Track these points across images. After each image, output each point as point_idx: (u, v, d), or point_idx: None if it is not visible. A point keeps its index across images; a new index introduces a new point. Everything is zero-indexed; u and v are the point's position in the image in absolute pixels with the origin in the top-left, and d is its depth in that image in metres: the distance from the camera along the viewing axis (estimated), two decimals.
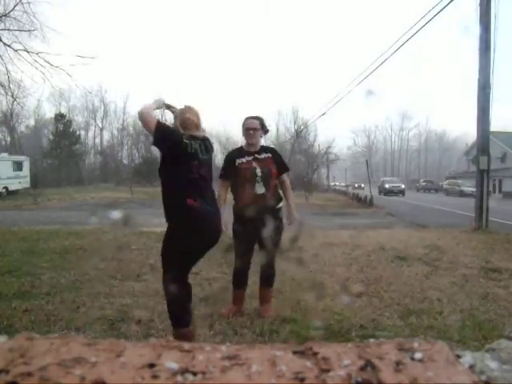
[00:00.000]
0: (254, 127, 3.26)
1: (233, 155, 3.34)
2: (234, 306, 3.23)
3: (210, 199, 2.56)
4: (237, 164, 3.21)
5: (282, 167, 3.34)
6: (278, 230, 3.12)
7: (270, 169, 3.20)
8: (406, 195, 32.23)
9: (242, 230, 3.08)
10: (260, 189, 3.13)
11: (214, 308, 3.31)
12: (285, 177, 3.36)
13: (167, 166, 2.45)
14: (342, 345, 0.45)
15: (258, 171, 3.15)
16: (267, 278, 3.23)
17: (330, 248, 6.06)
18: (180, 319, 2.43)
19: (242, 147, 3.39)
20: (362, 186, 46.08)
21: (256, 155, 3.23)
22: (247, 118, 3.35)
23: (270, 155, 3.27)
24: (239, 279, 3.25)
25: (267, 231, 2.92)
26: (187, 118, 2.56)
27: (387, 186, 34.81)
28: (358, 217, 13.56)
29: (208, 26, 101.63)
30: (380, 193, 33.64)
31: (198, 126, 2.58)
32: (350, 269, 4.82)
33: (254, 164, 3.18)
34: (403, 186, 34.61)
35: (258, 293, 3.32)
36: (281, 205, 3.27)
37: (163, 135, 2.43)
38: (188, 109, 2.64)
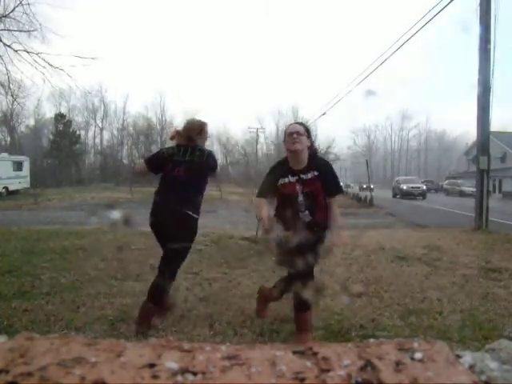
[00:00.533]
0: (297, 130, 2.67)
1: (276, 172, 2.77)
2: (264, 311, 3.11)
3: (177, 196, 2.89)
4: (279, 184, 2.68)
5: (332, 188, 2.71)
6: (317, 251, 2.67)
7: (315, 194, 2.64)
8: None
9: (286, 257, 2.58)
10: (306, 217, 2.64)
11: (214, 308, 3.31)
12: (332, 200, 2.72)
13: None
14: (342, 345, 0.45)
15: (301, 199, 2.63)
16: (301, 300, 2.66)
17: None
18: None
19: (286, 160, 2.76)
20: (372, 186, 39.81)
21: (301, 175, 2.65)
22: (290, 124, 2.90)
23: (316, 173, 2.65)
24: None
25: (310, 254, 2.52)
26: (176, 132, 3.24)
27: (404, 187, 28.48)
28: (358, 217, 13.55)
29: (208, 26, 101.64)
30: (395, 195, 28.97)
31: (185, 137, 3.12)
32: (350, 269, 4.82)
33: (298, 187, 2.64)
34: (424, 187, 28.64)
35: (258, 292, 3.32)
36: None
37: (151, 160, 3.29)
38: (185, 124, 3.24)
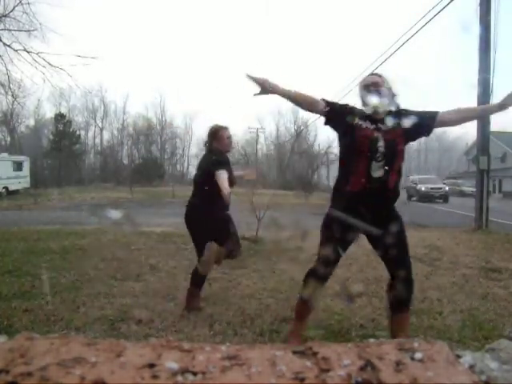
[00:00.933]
0: (375, 81, 2.34)
1: (353, 110, 2.34)
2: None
3: (193, 196, 3.62)
4: (354, 123, 2.27)
5: (424, 125, 2.31)
6: (401, 232, 2.49)
7: (396, 143, 2.24)
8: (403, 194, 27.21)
9: (341, 226, 2.25)
10: (377, 171, 2.22)
11: (214, 308, 3.31)
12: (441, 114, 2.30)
13: None
14: (342, 345, 0.45)
15: (381, 145, 2.21)
16: (402, 298, 2.42)
17: None
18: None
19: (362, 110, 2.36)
20: None
21: (380, 124, 2.26)
22: (367, 76, 2.50)
23: (398, 122, 2.26)
24: (309, 302, 2.54)
25: (389, 233, 2.27)
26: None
27: (423, 188, 23.70)
28: None
29: (208, 25, 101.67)
30: (410, 198, 23.66)
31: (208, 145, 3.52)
32: (350, 269, 4.82)
33: (376, 134, 2.23)
34: (447, 188, 23.74)
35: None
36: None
37: None
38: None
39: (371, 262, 5.25)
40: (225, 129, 3.52)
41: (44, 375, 0.38)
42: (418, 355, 0.43)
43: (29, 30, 11.59)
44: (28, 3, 11.36)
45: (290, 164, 41.62)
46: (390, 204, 2.39)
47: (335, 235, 2.33)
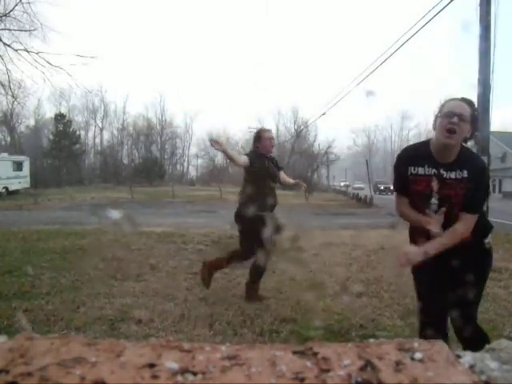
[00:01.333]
0: (461, 113, 1.86)
1: (409, 158, 2.01)
2: None
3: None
4: (409, 174, 1.97)
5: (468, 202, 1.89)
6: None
7: (452, 202, 1.90)
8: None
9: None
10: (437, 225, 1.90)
11: (214, 308, 3.31)
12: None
13: None
14: (342, 345, 0.45)
15: (434, 200, 1.94)
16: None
17: (329, 248, 6.06)
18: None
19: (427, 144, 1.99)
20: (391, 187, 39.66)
21: (442, 170, 1.91)
22: (453, 99, 1.96)
23: (466, 175, 1.88)
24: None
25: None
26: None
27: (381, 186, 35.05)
28: (358, 217, 13.56)
29: (208, 25, 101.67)
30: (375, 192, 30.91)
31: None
32: (350, 269, 4.82)
33: (434, 184, 1.92)
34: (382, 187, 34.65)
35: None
36: (487, 241, 2.04)
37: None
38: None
39: (371, 262, 5.25)
40: (266, 131, 3.74)
41: (44, 375, 0.38)
42: (418, 355, 0.43)
43: (29, 30, 11.60)
44: (28, 3, 11.38)
45: (290, 164, 41.63)
46: None
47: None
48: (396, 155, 2.11)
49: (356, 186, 43.53)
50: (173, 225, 9.02)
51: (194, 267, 4.70)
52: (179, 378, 0.39)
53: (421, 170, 1.93)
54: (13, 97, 12.86)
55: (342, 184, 41.13)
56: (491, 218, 9.33)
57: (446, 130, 1.83)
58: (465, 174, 1.87)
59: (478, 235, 1.93)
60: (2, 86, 11.87)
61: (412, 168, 1.95)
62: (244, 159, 3.55)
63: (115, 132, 50.18)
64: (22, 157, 26.32)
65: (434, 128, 1.94)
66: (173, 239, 6.76)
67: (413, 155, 1.99)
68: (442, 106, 1.95)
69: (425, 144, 2.00)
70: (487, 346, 0.48)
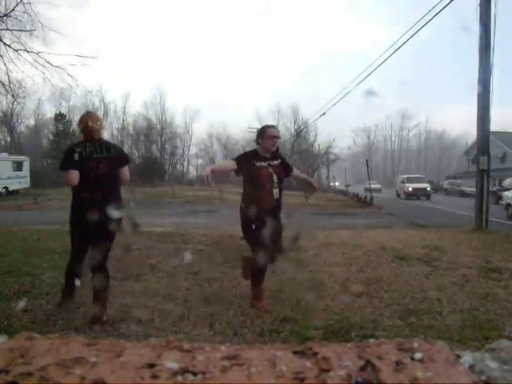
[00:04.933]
0: (276, 135, 3.52)
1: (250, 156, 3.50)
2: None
3: (102, 192, 3.04)
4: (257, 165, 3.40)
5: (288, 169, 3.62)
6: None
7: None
8: (393, 193, 28.44)
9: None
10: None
11: (214, 308, 3.31)
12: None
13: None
14: (342, 345, 0.45)
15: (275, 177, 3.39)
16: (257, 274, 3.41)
17: (329, 248, 6.06)
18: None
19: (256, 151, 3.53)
20: (378, 187, 35.41)
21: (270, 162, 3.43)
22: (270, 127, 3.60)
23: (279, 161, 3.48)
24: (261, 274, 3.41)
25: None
26: (86, 125, 3.18)
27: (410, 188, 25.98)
28: (358, 217, 13.56)
29: (207, 24, 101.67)
30: (398, 196, 26.87)
31: (94, 130, 3.18)
32: (350, 269, 4.82)
33: (271, 170, 3.39)
34: (428, 189, 26.11)
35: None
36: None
37: (62, 166, 3.15)
38: (87, 116, 3.30)
39: (371, 262, 5.25)
40: (270, 127, 3.60)
41: (44, 375, 0.38)
42: (418, 355, 0.43)
43: (30, 30, 11.59)
44: (29, 3, 11.37)
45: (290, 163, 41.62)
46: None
47: None
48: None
49: (371, 186, 36.48)
50: (173, 225, 9.02)
51: (193, 267, 4.70)
52: (179, 378, 0.39)
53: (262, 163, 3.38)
54: (13, 97, 12.86)
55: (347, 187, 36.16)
56: (491, 218, 9.24)
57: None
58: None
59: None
60: (3, 85, 11.87)
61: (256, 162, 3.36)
62: (230, 164, 3.52)
63: (115, 132, 50.19)
64: (22, 157, 26.31)
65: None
66: (173, 239, 6.76)
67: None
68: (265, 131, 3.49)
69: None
70: (487, 346, 0.48)
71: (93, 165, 3.08)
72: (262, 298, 3.38)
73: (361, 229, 9.04)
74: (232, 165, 3.45)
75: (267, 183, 3.33)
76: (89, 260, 3.03)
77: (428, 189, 25.59)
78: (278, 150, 3.55)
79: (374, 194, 21.46)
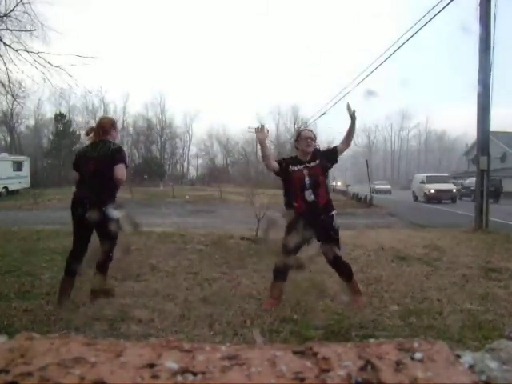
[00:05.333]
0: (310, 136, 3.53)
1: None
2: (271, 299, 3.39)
3: (91, 190, 3.35)
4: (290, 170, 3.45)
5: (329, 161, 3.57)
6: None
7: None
8: (405, 195, 26.53)
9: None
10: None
11: (214, 308, 3.31)
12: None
13: None
14: (342, 345, 0.45)
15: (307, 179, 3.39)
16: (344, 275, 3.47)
17: None
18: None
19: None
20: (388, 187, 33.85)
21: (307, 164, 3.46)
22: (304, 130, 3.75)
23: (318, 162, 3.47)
24: (280, 272, 3.41)
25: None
26: (92, 128, 3.72)
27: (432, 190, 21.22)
28: (357, 217, 13.55)
29: (207, 25, 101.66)
30: (416, 199, 23.07)
31: (97, 133, 3.56)
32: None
33: (304, 172, 3.41)
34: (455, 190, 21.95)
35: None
36: (333, 213, 3.42)
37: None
38: (98, 120, 3.81)
39: (371, 262, 5.25)
40: (304, 130, 3.71)
41: (44, 375, 0.38)
42: (418, 355, 0.43)
43: (30, 30, 11.58)
44: (29, 3, 11.35)
45: None
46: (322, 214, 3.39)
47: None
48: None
49: (380, 187, 32.99)
50: (173, 225, 9.02)
51: (193, 267, 4.70)
52: (179, 378, 0.39)
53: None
54: (13, 97, 12.86)
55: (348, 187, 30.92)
56: (491, 218, 9.23)
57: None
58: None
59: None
60: (2, 85, 11.87)
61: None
62: (274, 165, 3.49)
63: None
64: (22, 157, 26.33)
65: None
66: (173, 239, 6.76)
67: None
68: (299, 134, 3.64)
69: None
70: (487, 346, 0.48)
71: (84, 164, 3.45)
72: (274, 297, 3.42)
73: (361, 229, 9.04)
74: (274, 167, 3.48)
75: (299, 186, 3.39)
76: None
77: (454, 190, 21.67)
78: (316, 151, 3.54)
79: (381, 196, 19.13)
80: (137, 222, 3.57)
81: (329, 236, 3.34)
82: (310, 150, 3.46)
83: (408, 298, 3.66)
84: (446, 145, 72.54)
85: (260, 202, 7.52)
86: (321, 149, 3.70)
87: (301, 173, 3.39)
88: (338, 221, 3.45)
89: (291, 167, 3.44)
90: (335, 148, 3.62)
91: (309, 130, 3.71)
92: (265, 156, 3.51)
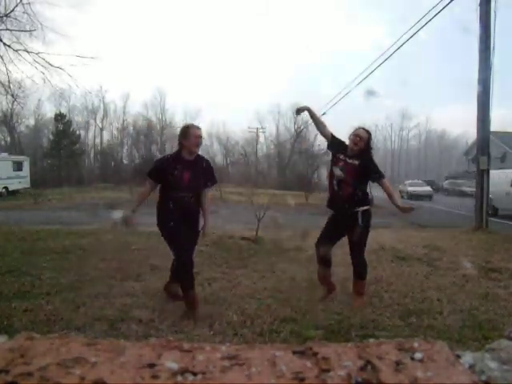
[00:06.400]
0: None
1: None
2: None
3: None
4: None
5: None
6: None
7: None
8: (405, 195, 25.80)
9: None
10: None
11: (214, 308, 3.31)
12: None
13: None
14: (342, 345, 0.45)
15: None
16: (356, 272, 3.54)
17: None
18: None
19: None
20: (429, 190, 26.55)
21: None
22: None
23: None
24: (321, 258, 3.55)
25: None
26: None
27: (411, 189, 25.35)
28: None
29: (207, 24, 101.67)
30: (402, 197, 21.39)
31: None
32: (350, 269, 4.81)
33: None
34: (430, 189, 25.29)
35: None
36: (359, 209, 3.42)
37: None
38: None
39: (371, 262, 5.25)
40: (360, 129, 3.64)
41: (44, 375, 0.38)
42: (418, 355, 0.43)
43: (29, 31, 11.57)
44: (29, 3, 11.34)
45: (289, 164, 41.65)
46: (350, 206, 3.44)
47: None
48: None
49: (415, 189, 26.05)
50: None
51: (193, 267, 4.69)
52: (179, 378, 0.39)
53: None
54: (13, 97, 12.85)
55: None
56: (491, 218, 9.23)
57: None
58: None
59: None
60: (2, 85, 11.86)
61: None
62: (328, 133, 3.67)
63: (115, 132, 50.18)
64: (22, 157, 26.31)
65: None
66: None
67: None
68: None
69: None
70: (487, 346, 0.48)
71: None
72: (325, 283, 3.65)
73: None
74: (328, 133, 3.73)
75: (332, 173, 3.61)
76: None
77: (429, 190, 25.67)
78: (366, 155, 3.51)
79: (421, 203, 15.78)
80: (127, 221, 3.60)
81: (353, 230, 3.40)
82: (355, 148, 3.46)
83: (408, 297, 3.66)
84: (446, 144, 72.56)
85: (260, 202, 7.51)
86: (373, 158, 3.62)
87: (338, 161, 3.50)
88: (368, 217, 3.47)
89: (337, 153, 3.56)
90: (378, 175, 3.51)
91: (364, 130, 3.58)
92: (318, 122, 3.70)
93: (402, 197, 22.57)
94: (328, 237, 3.53)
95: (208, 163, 3.54)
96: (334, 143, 3.65)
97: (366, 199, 3.51)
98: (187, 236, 3.29)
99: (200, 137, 3.38)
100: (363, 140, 3.48)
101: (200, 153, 3.55)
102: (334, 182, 3.50)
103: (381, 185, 3.51)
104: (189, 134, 3.32)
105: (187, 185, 3.28)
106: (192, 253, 3.34)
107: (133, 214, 3.56)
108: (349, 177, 3.45)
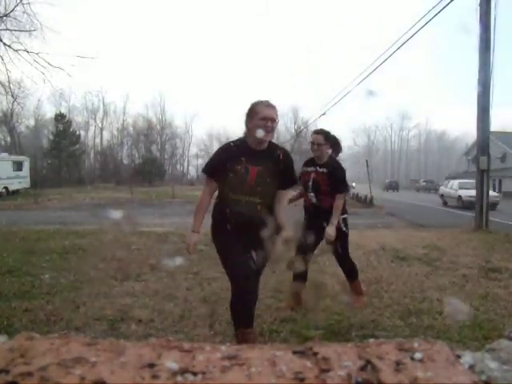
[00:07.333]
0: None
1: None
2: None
3: None
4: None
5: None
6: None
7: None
8: (405, 195, 27.07)
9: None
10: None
11: (213, 308, 3.31)
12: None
13: None
14: (342, 345, 0.45)
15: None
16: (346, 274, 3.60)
17: (329, 248, 6.05)
18: None
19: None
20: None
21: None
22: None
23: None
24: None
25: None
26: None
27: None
28: (357, 217, 13.54)
29: (207, 25, 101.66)
30: (446, 204, 19.12)
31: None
32: None
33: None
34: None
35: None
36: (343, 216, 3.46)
37: None
38: None
39: (371, 262, 5.25)
40: (312, 133, 3.55)
41: (44, 375, 0.38)
42: (418, 355, 0.43)
43: (29, 31, 11.58)
44: (28, 3, 11.36)
45: None
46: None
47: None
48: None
49: (472, 193, 11.65)
50: (173, 225, 9.02)
51: (193, 267, 4.70)
52: (179, 378, 0.39)
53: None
54: (13, 97, 12.87)
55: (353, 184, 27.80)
56: (491, 218, 9.23)
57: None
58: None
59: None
60: (2, 85, 11.86)
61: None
62: (298, 185, 3.46)
63: (115, 132, 50.21)
64: (22, 157, 26.32)
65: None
66: (173, 239, 6.75)
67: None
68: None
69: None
70: (487, 346, 0.48)
71: None
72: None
73: (361, 229, 9.03)
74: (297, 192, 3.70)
75: (304, 186, 3.52)
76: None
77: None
78: (333, 160, 3.47)
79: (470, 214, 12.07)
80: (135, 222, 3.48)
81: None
82: (317, 154, 3.38)
83: (408, 298, 3.66)
84: (446, 145, 72.56)
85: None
86: (339, 165, 3.48)
87: (308, 175, 3.44)
88: (346, 223, 3.54)
89: (304, 168, 3.53)
90: (337, 184, 3.36)
91: (316, 134, 3.43)
92: (296, 198, 3.61)
93: (447, 204, 18.79)
94: (305, 243, 3.03)
95: (286, 155, 2.57)
96: (304, 168, 3.53)
97: (343, 207, 3.45)
98: (247, 258, 2.31)
99: (270, 119, 2.36)
100: (319, 143, 3.33)
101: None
102: (310, 195, 3.42)
103: (335, 198, 3.32)
104: (254, 112, 2.40)
105: (253, 185, 2.38)
106: (253, 283, 2.36)
107: (197, 237, 2.63)
108: (324, 186, 3.36)
